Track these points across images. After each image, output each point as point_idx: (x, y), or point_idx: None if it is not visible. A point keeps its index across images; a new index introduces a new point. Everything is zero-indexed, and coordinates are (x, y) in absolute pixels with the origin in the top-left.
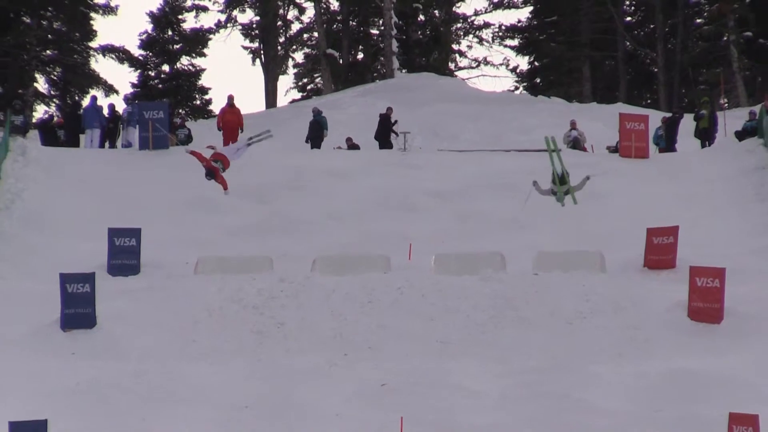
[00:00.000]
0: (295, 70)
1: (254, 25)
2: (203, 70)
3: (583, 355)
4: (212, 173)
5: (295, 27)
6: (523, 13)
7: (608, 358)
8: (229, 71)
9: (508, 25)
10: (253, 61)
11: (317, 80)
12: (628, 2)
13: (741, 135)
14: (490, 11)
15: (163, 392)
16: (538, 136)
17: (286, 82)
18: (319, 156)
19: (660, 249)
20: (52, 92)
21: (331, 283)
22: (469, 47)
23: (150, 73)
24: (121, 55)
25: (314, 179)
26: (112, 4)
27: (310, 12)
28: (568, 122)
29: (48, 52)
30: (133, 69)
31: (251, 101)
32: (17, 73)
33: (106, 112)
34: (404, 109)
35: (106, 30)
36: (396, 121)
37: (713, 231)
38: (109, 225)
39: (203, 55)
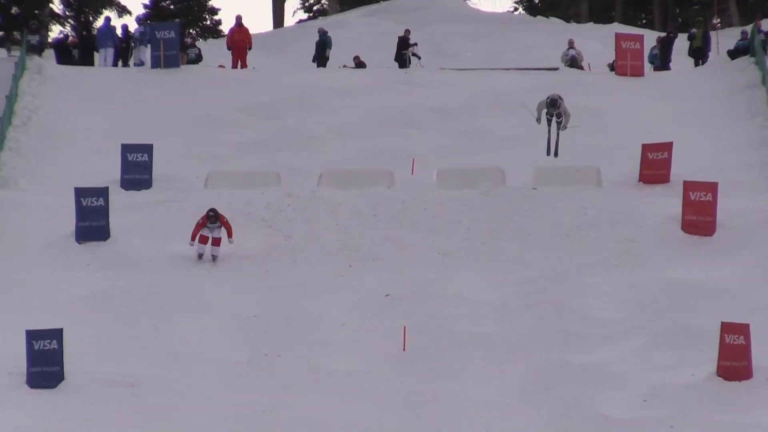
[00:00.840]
0: None
1: None
2: None
3: (580, 266)
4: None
5: None
6: None
7: (604, 269)
8: None
9: None
10: None
11: (323, 1)
12: None
13: (733, 54)
14: None
15: (174, 302)
16: (537, 55)
17: (293, 3)
18: (325, 74)
19: (654, 164)
20: (67, 13)
21: (337, 197)
22: None
23: None
24: None
25: (320, 97)
26: None
27: None
28: (566, 42)
29: None
30: None
31: (259, 22)
32: None
33: (119, 32)
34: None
35: None
36: (416, 44)
37: (706, 147)
38: (122, 141)
39: None
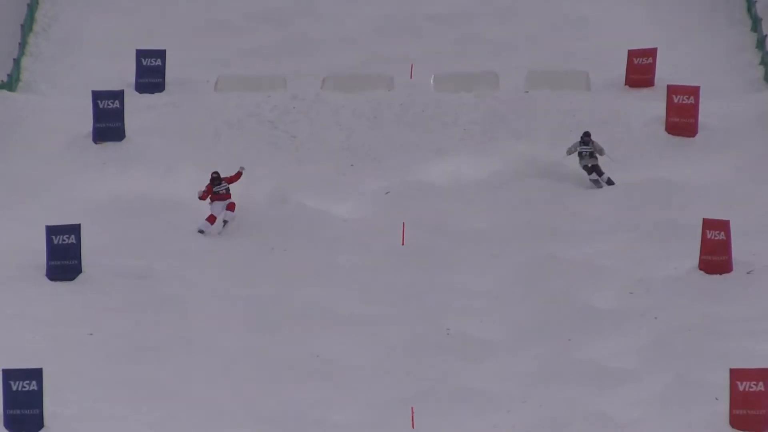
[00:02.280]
0: None
1: None
2: None
3: (569, 165)
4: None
5: None
6: None
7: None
8: None
9: None
10: None
11: None
12: None
13: None
14: None
15: (186, 198)
16: None
17: None
18: None
19: (640, 69)
20: None
21: (340, 100)
22: None
23: None
24: None
25: (325, 4)
26: None
27: None
28: None
29: None
30: None
31: None
32: None
33: None
34: None
35: None
36: None
37: (689, 53)
38: (136, 47)
39: None
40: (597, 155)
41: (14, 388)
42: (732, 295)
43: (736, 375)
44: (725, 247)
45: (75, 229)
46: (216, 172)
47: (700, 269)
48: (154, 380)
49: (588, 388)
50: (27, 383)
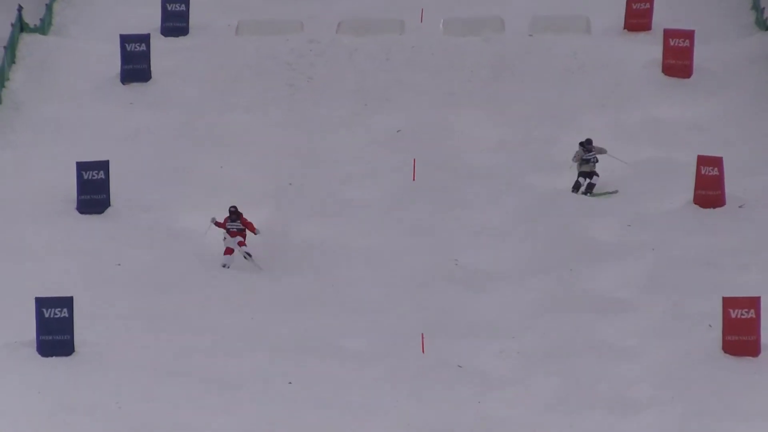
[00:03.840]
0: None
1: None
2: None
3: (571, 106)
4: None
5: None
6: None
7: (593, 108)
8: None
9: None
10: None
11: None
12: None
13: None
14: None
15: (209, 138)
16: None
17: None
18: None
19: (638, 13)
20: None
21: (354, 43)
22: None
23: None
24: None
25: None
26: None
27: None
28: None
29: None
30: None
31: None
32: None
33: None
34: None
35: None
36: None
37: None
38: None
39: None
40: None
41: (47, 315)
42: (724, 228)
43: (728, 303)
44: (718, 182)
45: (104, 165)
46: (234, 207)
47: (695, 203)
48: (177, 310)
49: (589, 316)
50: (59, 311)
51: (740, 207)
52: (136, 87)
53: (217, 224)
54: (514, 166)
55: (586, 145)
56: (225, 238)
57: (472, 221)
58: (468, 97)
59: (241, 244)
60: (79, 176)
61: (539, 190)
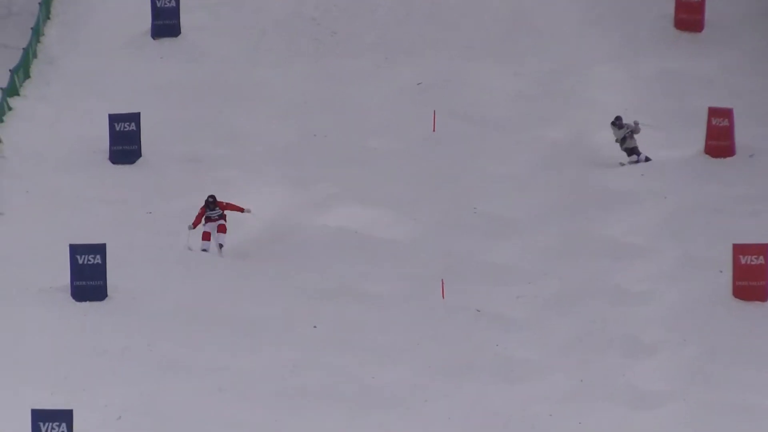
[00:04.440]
0: None
1: None
2: None
3: (586, 59)
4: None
5: None
6: None
7: (608, 60)
8: None
9: None
10: None
11: None
12: None
13: None
14: None
15: (236, 90)
16: None
17: None
18: None
19: None
20: None
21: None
22: None
23: None
24: None
25: None
26: None
27: None
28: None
29: None
30: None
31: None
32: None
33: None
34: None
35: None
36: None
37: None
38: None
39: None
40: (635, 135)
41: (80, 261)
42: (735, 177)
43: (738, 249)
44: (729, 132)
45: (135, 117)
46: (212, 196)
47: (706, 153)
48: (205, 257)
49: (603, 262)
50: (92, 257)
51: (750, 156)
52: (166, 42)
53: (195, 223)
54: (531, 117)
55: (617, 122)
56: (204, 224)
57: (490, 170)
58: (486, 50)
59: (221, 229)
60: (112, 128)
61: (556, 140)
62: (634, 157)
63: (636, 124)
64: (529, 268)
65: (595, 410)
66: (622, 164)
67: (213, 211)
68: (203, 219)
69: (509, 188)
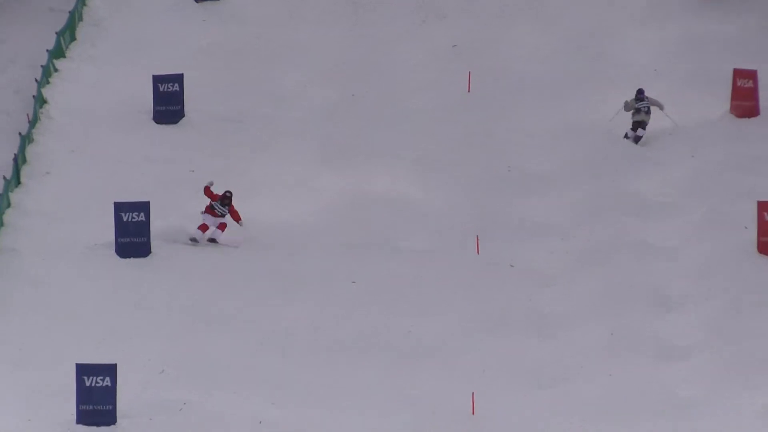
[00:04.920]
0: None
1: None
2: None
3: (615, 22)
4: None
5: None
6: None
7: (635, 24)
8: None
9: None
10: None
11: None
12: None
13: None
14: None
15: (277, 51)
16: None
17: None
18: None
19: None
20: None
21: None
22: None
23: None
24: None
25: None
26: None
27: None
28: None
29: None
30: None
31: None
32: None
33: None
34: None
35: None
36: None
37: None
38: None
39: None
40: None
41: (125, 219)
42: (759, 136)
43: (762, 206)
44: (753, 93)
45: (178, 78)
46: (230, 192)
47: (731, 113)
48: (247, 213)
49: (632, 218)
50: (136, 215)
51: None
52: (208, 5)
53: (209, 196)
54: (563, 78)
55: (638, 94)
56: (203, 213)
57: (523, 129)
58: (519, 12)
59: (221, 227)
60: (155, 88)
61: (587, 99)
62: (631, 132)
63: (657, 103)
64: (561, 224)
65: (625, 363)
66: (627, 137)
67: (222, 206)
68: (208, 207)
69: (542, 146)
